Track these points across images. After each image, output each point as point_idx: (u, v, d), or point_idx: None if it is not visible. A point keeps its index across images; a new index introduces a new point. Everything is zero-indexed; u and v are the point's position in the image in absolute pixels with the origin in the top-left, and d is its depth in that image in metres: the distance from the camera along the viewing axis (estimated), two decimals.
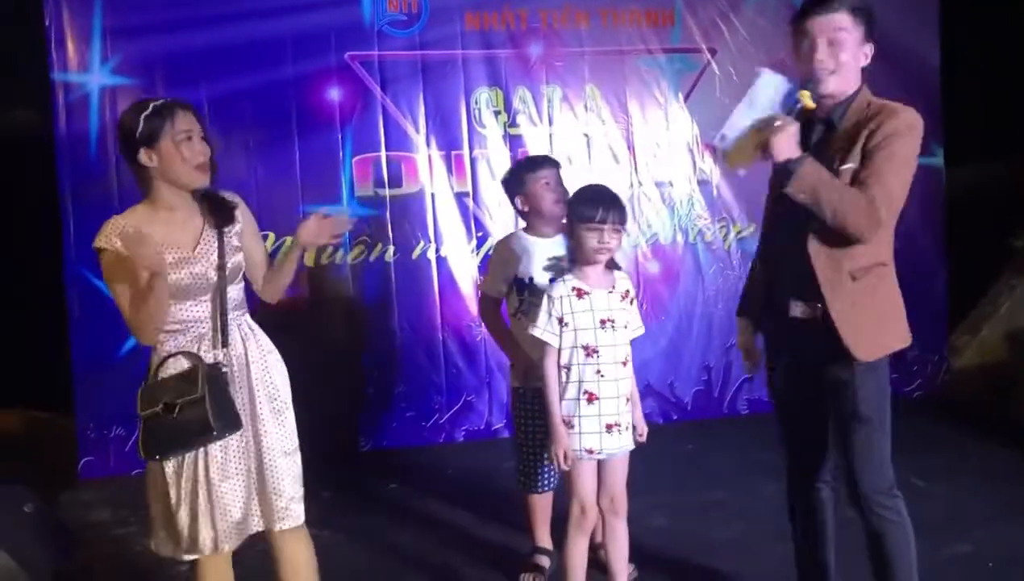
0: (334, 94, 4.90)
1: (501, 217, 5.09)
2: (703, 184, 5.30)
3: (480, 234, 5.11)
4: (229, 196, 2.54)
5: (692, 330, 5.34)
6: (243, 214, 2.56)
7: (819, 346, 2.45)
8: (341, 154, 4.94)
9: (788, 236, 2.48)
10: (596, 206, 2.69)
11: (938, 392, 5.56)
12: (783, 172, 2.33)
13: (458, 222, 5.09)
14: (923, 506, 3.55)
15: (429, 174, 5.04)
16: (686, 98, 5.25)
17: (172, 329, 2.41)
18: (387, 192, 5.01)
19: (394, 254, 5.02)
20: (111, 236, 2.33)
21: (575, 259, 2.77)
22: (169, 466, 2.39)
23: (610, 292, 2.75)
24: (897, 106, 2.41)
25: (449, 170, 5.07)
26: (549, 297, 2.74)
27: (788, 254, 2.48)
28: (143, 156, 2.35)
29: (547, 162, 3.30)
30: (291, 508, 2.52)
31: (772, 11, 5.15)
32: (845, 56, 2.38)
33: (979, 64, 6.05)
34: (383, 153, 5.01)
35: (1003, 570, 3.16)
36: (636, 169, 5.27)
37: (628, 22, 5.16)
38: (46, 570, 3.22)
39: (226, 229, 2.47)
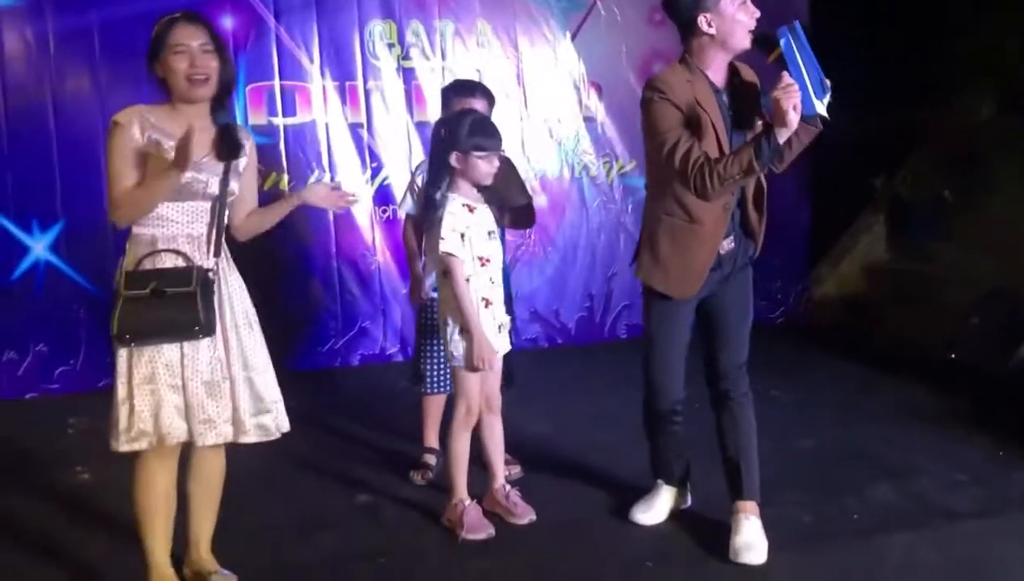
0: (227, 22, 4.92)
1: (395, 148, 5.24)
2: (588, 121, 5.56)
3: (374, 165, 5.26)
4: (243, 133, 2.59)
5: (576, 260, 5.64)
6: (250, 151, 2.62)
7: (729, 267, 2.81)
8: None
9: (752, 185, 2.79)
10: (488, 136, 2.91)
11: (800, 319, 6.04)
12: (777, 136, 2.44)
13: (352, 152, 5.22)
14: (775, 412, 4.02)
15: (323, 104, 5.14)
16: (573, 37, 5.48)
17: (165, 223, 2.46)
18: (281, 121, 5.09)
19: (288, 183, 5.12)
20: (132, 117, 2.41)
21: (467, 179, 2.95)
22: (137, 354, 2.41)
23: (488, 207, 2.98)
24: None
25: (343, 101, 5.18)
26: (450, 213, 2.91)
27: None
28: (156, 67, 2.43)
29: (479, 89, 3.42)
30: (261, 420, 2.58)
31: None
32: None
33: (845, 19, 6.46)
34: (276, 82, 5.08)
35: (836, 460, 3.58)
36: (526, 104, 5.49)
37: None
38: None
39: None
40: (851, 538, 2.92)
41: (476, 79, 5.11)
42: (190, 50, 2.41)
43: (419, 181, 3.33)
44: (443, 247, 2.89)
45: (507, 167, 3.30)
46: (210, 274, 2.47)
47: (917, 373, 4.57)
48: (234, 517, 2.84)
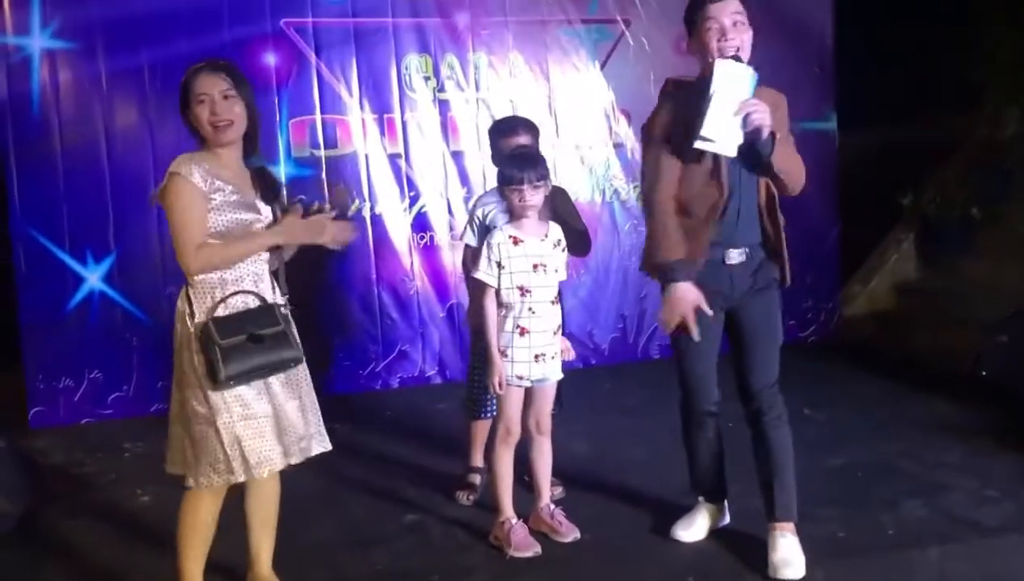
0: (270, 59, 5.14)
1: (432, 177, 5.42)
2: (618, 147, 5.71)
3: (412, 193, 5.43)
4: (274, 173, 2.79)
5: (609, 282, 5.77)
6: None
7: (750, 280, 2.90)
8: (277, 117, 5.18)
9: (742, 197, 2.84)
10: (514, 168, 3.06)
11: (831, 337, 6.12)
12: (761, 146, 2.68)
13: (391, 182, 5.39)
14: (808, 430, 4.13)
15: (363, 136, 5.33)
16: (602, 66, 5.64)
17: (233, 266, 2.60)
18: (322, 153, 5.28)
19: (330, 212, 5.28)
20: (190, 166, 2.53)
21: (512, 211, 3.12)
22: (246, 390, 2.54)
23: (542, 240, 3.13)
24: (780, 93, 2.91)
25: (382, 132, 5.36)
26: (488, 244, 3.10)
27: (743, 211, 2.85)
28: (189, 117, 2.60)
29: (522, 126, 3.51)
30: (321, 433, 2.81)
31: None
32: (746, 36, 2.77)
33: (871, 34, 6.57)
34: (318, 116, 5.27)
35: (868, 476, 3.68)
36: (557, 132, 5.64)
37: None
38: (20, 504, 3.49)
39: None
40: (886, 552, 3.02)
41: (511, 111, 5.31)
42: (211, 98, 2.57)
43: (478, 214, 3.45)
44: (475, 274, 3.11)
45: (560, 197, 3.44)
46: (283, 309, 2.65)
47: (946, 390, 4.65)
48: (289, 536, 2.99)
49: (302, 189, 5.23)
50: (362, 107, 5.32)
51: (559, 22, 5.55)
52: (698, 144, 2.67)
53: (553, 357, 3.16)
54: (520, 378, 3.13)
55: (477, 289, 3.28)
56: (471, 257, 3.61)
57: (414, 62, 5.38)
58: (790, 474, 2.96)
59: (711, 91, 2.62)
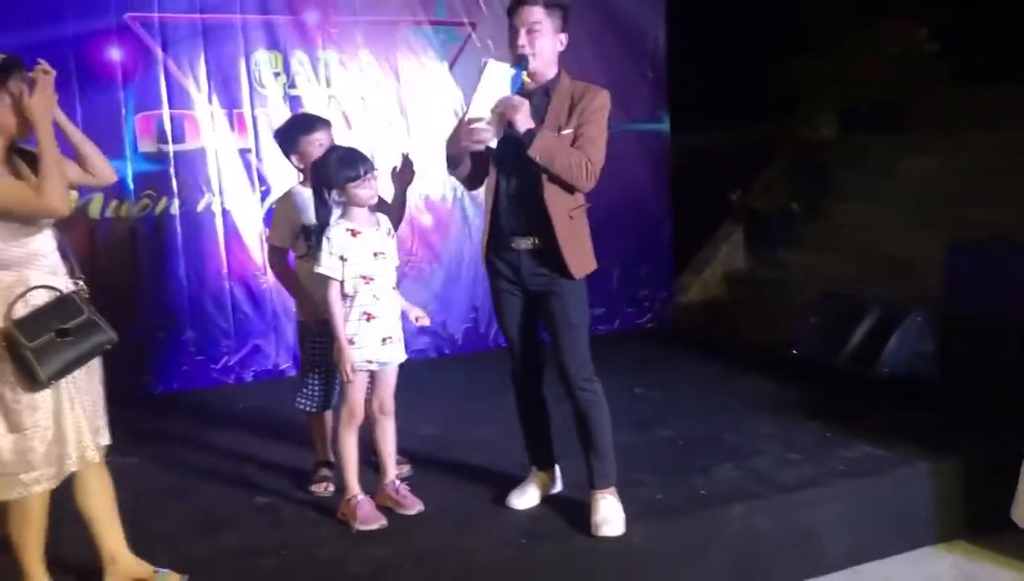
0: (115, 54, 5.10)
1: (283, 171, 5.48)
2: None
3: (264, 188, 5.50)
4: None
5: (461, 275, 6.01)
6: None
7: (539, 271, 3.14)
8: (123, 111, 5.15)
9: (518, 186, 3.11)
10: (357, 165, 3.20)
11: (667, 324, 6.56)
12: (522, 138, 2.94)
13: (242, 176, 5.45)
14: (639, 407, 4.46)
15: (212, 131, 5.36)
16: (451, 66, 5.86)
17: (18, 264, 2.59)
18: (171, 148, 5.28)
19: (179, 207, 5.31)
20: None
21: (345, 209, 3.26)
22: (53, 389, 2.55)
23: (376, 229, 3.30)
24: (596, 88, 3.13)
25: (232, 127, 5.41)
26: (328, 239, 3.22)
27: (519, 200, 3.12)
28: None
29: (319, 123, 3.66)
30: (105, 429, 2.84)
31: None
32: (541, 43, 3.03)
33: (700, 42, 7.04)
34: (165, 111, 5.26)
35: (689, 446, 4.04)
36: (409, 130, 5.83)
37: None
38: None
39: None
40: (698, 511, 3.36)
41: (362, 108, 5.49)
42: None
43: (288, 213, 3.61)
44: (317, 269, 3.23)
45: None
46: (81, 294, 2.67)
47: (765, 369, 5.11)
48: (137, 526, 3.06)
49: (149, 183, 5.24)
50: (211, 102, 5.35)
51: (408, 22, 5.73)
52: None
53: (396, 340, 3.34)
54: (369, 362, 3.29)
55: (314, 284, 3.42)
56: (277, 255, 3.76)
57: (264, 58, 5.45)
58: (607, 445, 3.24)
59: (476, 90, 2.94)
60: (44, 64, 2.63)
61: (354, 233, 3.24)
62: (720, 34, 7.01)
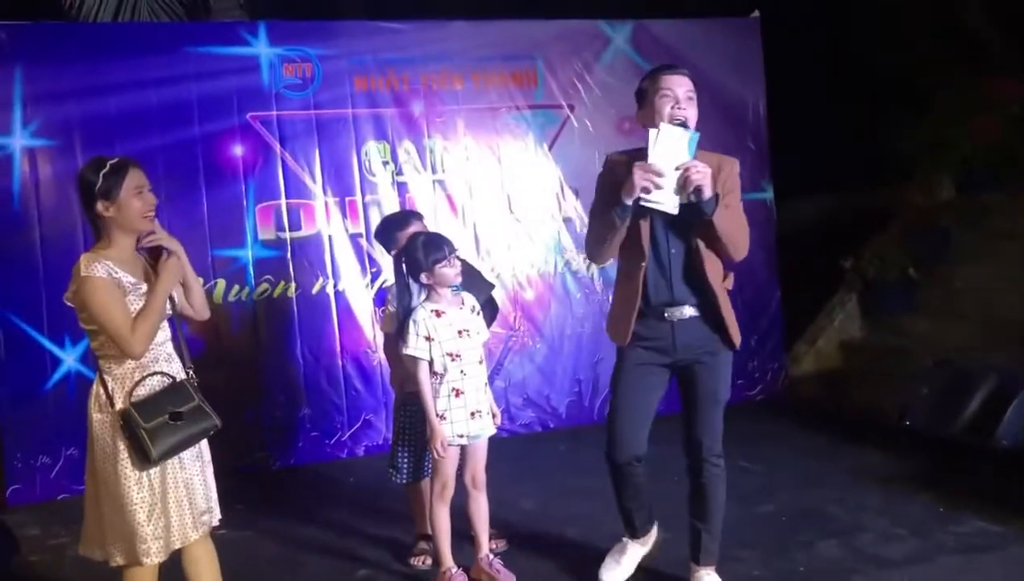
0: (237, 150, 5.51)
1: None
2: (567, 221, 6.09)
3: (374, 270, 5.76)
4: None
5: (563, 348, 6.09)
6: None
7: (695, 341, 3.12)
8: (245, 203, 5.54)
9: (680, 255, 3.07)
10: (441, 247, 3.37)
11: (778, 396, 6.41)
12: (703, 204, 2.88)
13: (353, 260, 5.73)
14: (742, 480, 4.39)
15: (326, 218, 5.68)
16: (550, 147, 6.05)
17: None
18: (288, 235, 5.62)
19: (296, 290, 5.63)
20: (94, 265, 2.70)
21: (430, 288, 3.40)
22: (157, 471, 2.74)
23: (460, 308, 3.44)
24: (730, 157, 3.17)
25: (344, 214, 5.72)
26: (414, 321, 3.38)
27: (679, 269, 3.08)
28: (100, 207, 2.75)
29: (412, 217, 3.88)
30: (215, 506, 3.01)
31: (620, 71, 6.02)
32: (693, 112, 3.04)
33: (804, 111, 7.02)
34: (283, 201, 5.63)
35: (792, 521, 3.95)
36: (511, 209, 6.02)
37: (497, 83, 5.95)
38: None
39: None
40: None
41: (467, 192, 5.73)
42: (144, 190, 2.80)
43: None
44: (405, 351, 3.37)
45: (464, 266, 3.75)
46: (193, 382, 2.89)
47: (875, 439, 4.94)
48: None
49: (269, 269, 5.58)
50: (325, 191, 5.68)
51: (508, 108, 5.97)
52: (642, 201, 2.91)
53: (485, 413, 3.44)
54: (460, 436, 3.40)
55: (409, 363, 3.53)
56: (392, 341, 3.85)
57: (373, 148, 5.77)
58: (719, 522, 3.22)
59: (651, 151, 2.86)
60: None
61: (438, 314, 3.38)
62: (825, 101, 6.96)
